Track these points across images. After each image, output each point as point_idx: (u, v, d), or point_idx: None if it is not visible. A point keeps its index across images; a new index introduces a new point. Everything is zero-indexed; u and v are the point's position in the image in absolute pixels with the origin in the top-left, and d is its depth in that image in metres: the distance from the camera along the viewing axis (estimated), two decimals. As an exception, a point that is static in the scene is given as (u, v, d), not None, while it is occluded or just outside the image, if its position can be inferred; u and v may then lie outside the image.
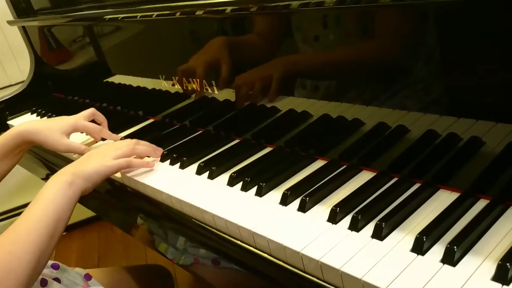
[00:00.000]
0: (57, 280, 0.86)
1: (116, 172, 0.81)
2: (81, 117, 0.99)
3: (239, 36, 0.84)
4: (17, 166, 1.41)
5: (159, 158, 0.88)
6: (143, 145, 0.87)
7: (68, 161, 1.02)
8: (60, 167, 0.80)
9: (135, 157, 0.85)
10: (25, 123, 0.96)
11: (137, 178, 0.83)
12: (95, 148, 0.86)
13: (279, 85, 0.79)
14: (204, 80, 0.91)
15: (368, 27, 0.64)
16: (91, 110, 1.02)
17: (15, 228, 0.67)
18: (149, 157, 0.89)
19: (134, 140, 0.87)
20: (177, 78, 0.97)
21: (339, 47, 0.69)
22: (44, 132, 0.94)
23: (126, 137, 1.03)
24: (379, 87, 0.67)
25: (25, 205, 2.08)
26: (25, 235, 0.65)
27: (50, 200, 0.70)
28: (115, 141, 1.01)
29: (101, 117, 1.04)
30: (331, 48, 0.70)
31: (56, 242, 0.70)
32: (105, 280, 0.97)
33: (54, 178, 0.74)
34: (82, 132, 1.04)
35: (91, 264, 1.82)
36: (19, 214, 2.08)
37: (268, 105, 0.82)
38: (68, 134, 0.96)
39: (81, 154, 0.94)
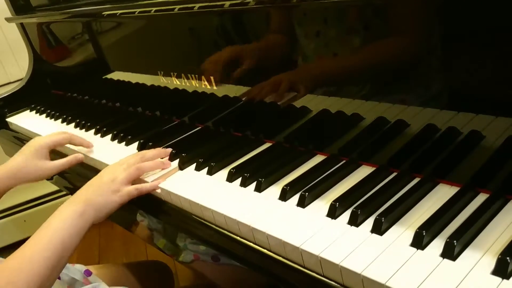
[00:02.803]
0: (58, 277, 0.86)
1: (128, 200, 0.77)
2: (51, 140, 0.94)
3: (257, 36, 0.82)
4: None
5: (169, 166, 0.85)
6: (149, 158, 0.83)
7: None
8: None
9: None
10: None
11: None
12: (105, 169, 0.81)
13: (287, 84, 0.78)
14: (202, 76, 0.91)
15: (368, 22, 0.64)
16: (64, 136, 0.96)
17: (20, 255, 0.65)
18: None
19: (140, 155, 0.83)
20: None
21: (339, 42, 0.69)
22: (22, 170, 0.87)
23: (124, 132, 1.02)
24: (379, 81, 0.67)
25: (25, 202, 2.07)
26: (28, 264, 0.63)
27: (58, 229, 0.68)
28: (87, 147, 0.99)
29: (77, 140, 0.99)
30: (332, 43, 0.70)
31: (60, 271, 0.68)
32: (106, 276, 0.96)
33: (65, 206, 0.72)
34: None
35: (92, 260, 1.82)
36: (18, 212, 2.08)
37: (267, 101, 0.82)
38: (47, 157, 0.91)
39: (76, 163, 0.91)
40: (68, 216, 0.70)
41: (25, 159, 0.89)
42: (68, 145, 1.01)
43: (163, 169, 0.83)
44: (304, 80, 0.75)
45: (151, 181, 0.80)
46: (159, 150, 0.87)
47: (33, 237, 0.67)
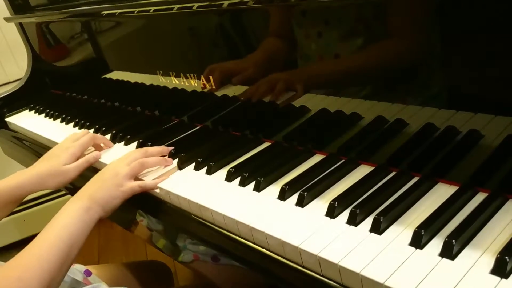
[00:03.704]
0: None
1: (131, 195, 0.78)
2: (79, 146, 0.92)
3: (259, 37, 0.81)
4: (16, 163, 1.42)
5: (172, 164, 0.85)
6: (152, 154, 0.84)
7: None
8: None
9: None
10: (25, 174, 0.87)
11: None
12: (108, 165, 0.82)
13: (285, 85, 0.78)
14: (201, 75, 0.91)
15: (367, 22, 0.64)
16: (89, 137, 0.95)
17: (28, 252, 0.65)
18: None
19: (143, 151, 0.84)
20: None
21: (339, 42, 0.69)
22: (48, 176, 0.86)
23: (123, 132, 1.02)
24: (378, 81, 0.67)
25: (25, 202, 2.06)
26: (36, 261, 0.64)
27: (65, 225, 0.69)
28: (108, 145, 0.99)
29: (100, 139, 0.99)
30: (332, 44, 0.70)
31: (68, 268, 0.69)
32: (105, 276, 0.96)
33: (71, 203, 0.72)
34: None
35: (91, 260, 1.82)
36: (18, 211, 2.08)
37: (266, 100, 0.82)
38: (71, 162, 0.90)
39: (94, 162, 0.91)
40: (75, 213, 0.71)
41: (49, 167, 0.88)
42: None
43: (165, 166, 0.84)
44: (303, 79, 0.75)
45: (153, 179, 0.80)
46: (161, 147, 0.88)
47: (41, 234, 0.68)
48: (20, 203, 0.90)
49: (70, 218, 0.70)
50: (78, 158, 0.91)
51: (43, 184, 0.87)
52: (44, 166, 0.88)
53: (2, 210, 0.87)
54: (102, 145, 1.00)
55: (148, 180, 0.80)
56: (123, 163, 0.80)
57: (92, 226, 0.72)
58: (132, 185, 0.77)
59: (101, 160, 0.94)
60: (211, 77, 0.89)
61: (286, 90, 0.78)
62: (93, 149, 0.98)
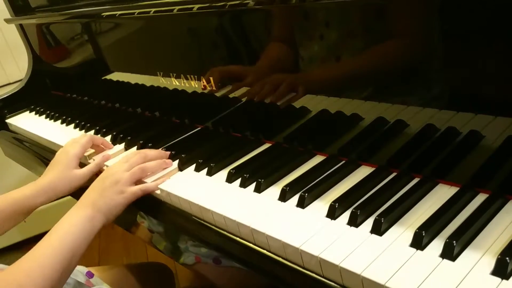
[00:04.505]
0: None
1: (133, 201, 0.78)
2: (80, 147, 0.93)
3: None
4: (16, 164, 1.42)
5: (173, 165, 0.85)
6: (152, 158, 0.83)
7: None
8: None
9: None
10: (38, 184, 0.87)
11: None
12: (107, 169, 0.81)
13: (288, 85, 0.78)
14: (202, 76, 0.91)
15: (368, 23, 0.64)
16: (88, 138, 0.96)
17: (30, 258, 0.65)
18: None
19: (143, 155, 0.83)
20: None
21: (339, 44, 0.69)
22: (57, 184, 0.87)
23: (123, 133, 1.02)
24: (378, 82, 0.67)
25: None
26: (38, 268, 0.63)
27: (69, 233, 0.69)
28: (107, 146, 0.99)
29: (99, 140, 0.99)
30: (333, 45, 0.70)
31: (68, 275, 0.69)
32: (107, 278, 0.97)
33: (74, 211, 0.73)
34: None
35: (92, 262, 1.82)
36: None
37: (267, 101, 0.82)
38: (77, 166, 0.91)
39: (103, 164, 0.92)
40: (77, 221, 0.71)
41: (58, 172, 0.88)
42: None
43: (165, 168, 0.84)
44: (305, 81, 0.75)
45: (154, 180, 0.80)
46: (159, 151, 0.88)
47: (43, 241, 0.68)
48: (28, 215, 0.89)
49: (74, 227, 0.70)
50: (80, 159, 0.92)
51: (56, 191, 0.87)
52: (54, 174, 0.88)
53: (14, 220, 0.87)
54: (102, 146, 1.00)
55: (148, 181, 0.80)
56: (122, 168, 0.79)
57: (94, 234, 0.72)
58: (134, 190, 0.77)
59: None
60: (211, 78, 0.89)
61: (287, 91, 0.78)
62: (93, 150, 0.98)
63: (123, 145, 1.00)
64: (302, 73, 0.75)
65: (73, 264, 0.69)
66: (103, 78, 1.24)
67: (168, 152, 0.87)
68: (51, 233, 0.69)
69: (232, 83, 0.86)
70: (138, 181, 0.81)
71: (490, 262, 0.47)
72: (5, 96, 1.49)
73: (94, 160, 0.94)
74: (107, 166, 0.92)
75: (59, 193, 0.88)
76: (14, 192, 0.87)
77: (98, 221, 0.73)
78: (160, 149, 0.90)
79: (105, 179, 0.78)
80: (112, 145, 1.01)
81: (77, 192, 0.87)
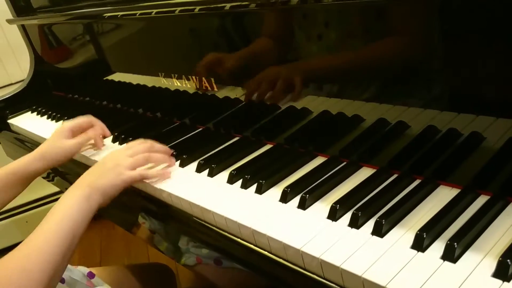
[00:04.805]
0: (61, 280, 0.86)
1: (130, 185, 0.78)
2: (75, 122, 0.98)
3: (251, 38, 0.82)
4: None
5: (175, 165, 0.85)
6: (158, 150, 0.83)
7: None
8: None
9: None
10: (29, 154, 0.92)
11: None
12: (109, 154, 0.82)
13: (285, 85, 0.78)
14: (203, 78, 0.91)
15: (368, 24, 0.64)
16: (86, 117, 0.99)
17: (30, 243, 0.64)
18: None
19: (149, 145, 0.83)
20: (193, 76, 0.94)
21: (340, 44, 0.69)
22: (48, 151, 0.92)
23: (125, 134, 1.02)
24: (380, 83, 0.67)
25: (27, 203, 2.07)
26: (38, 251, 0.63)
27: (66, 215, 0.68)
28: (106, 134, 1.01)
29: (97, 122, 1.01)
30: (333, 46, 0.70)
31: (69, 258, 0.68)
32: (108, 278, 0.97)
33: (70, 192, 0.72)
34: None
35: (93, 262, 1.82)
36: (20, 213, 2.08)
37: (268, 102, 0.82)
38: (69, 137, 0.95)
39: (93, 137, 0.96)
40: (75, 201, 0.70)
41: (50, 141, 0.94)
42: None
43: (168, 166, 0.84)
44: (304, 79, 0.75)
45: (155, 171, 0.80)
46: (166, 147, 0.87)
47: (41, 224, 0.67)
48: (21, 196, 0.94)
49: (71, 207, 0.69)
50: (73, 131, 0.96)
51: (48, 159, 0.92)
52: (47, 143, 0.95)
53: (14, 189, 0.91)
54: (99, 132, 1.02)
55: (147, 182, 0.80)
56: (125, 154, 0.79)
57: (92, 214, 0.72)
58: (132, 174, 0.77)
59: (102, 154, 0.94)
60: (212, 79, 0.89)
61: (286, 91, 0.78)
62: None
63: (124, 145, 1.00)
64: (305, 73, 0.75)
65: (73, 245, 0.68)
66: (104, 78, 1.24)
67: (172, 151, 0.87)
68: (49, 216, 0.68)
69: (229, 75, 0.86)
70: None
71: (491, 264, 0.47)
72: (6, 96, 1.49)
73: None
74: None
75: (51, 161, 0.93)
76: (10, 164, 0.92)
77: (94, 200, 0.72)
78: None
79: (106, 161, 0.79)
80: (110, 133, 1.03)
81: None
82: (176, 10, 0.86)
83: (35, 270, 0.61)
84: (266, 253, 0.61)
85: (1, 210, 0.95)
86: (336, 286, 0.53)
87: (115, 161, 0.77)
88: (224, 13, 0.80)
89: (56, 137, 0.94)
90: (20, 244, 0.65)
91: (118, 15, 1.01)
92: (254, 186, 0.71)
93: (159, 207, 0.80)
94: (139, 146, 0.82)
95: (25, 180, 0.92)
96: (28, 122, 1.38)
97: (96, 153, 0.99)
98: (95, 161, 0.92)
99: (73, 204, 0.70)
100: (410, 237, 0.53)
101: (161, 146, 0.85)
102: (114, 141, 1.03)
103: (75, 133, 0.96)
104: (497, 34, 0.52)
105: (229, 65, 0.84)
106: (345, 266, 0.51)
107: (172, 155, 0.86)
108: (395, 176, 0.65)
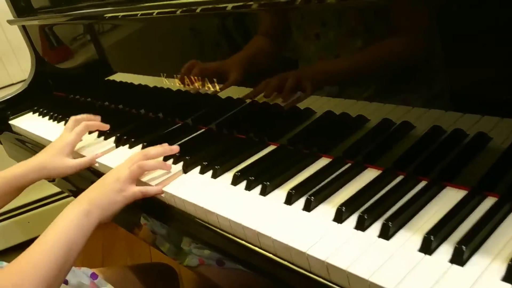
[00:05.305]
0: (65, 281, 0.86)
1: (132, 201, 0.77)
2: (75, 135, 0.98)
3: (249, 39, 0.82)
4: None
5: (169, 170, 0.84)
6: (153, 156, 0.82)
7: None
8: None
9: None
10: (28, 163, 0.93)
11: (140, 178, 0.82)
12: (111, 171, 0.81)
13: (290, 86, 0.77)
14: (206, 78, 0.90)
15: (371, 23, 0.63)
16: (83, 126, 1.00)
17: (24, 258, 0.64)
18: None
19: (144, 153, 0.82)
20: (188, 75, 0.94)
21: (341, 44, 0.68)
22: (47, 166, 0.92)
23: (127, 135, 1.02)
24: (384, 83, 0.66)
25: (29, 204, 2.07)
26: (32, 268, 0.63)
27: (64, 230, 0.68)
28: (104, 129, 1.03)
29: (93, 126, 1.03)
30: (334, 45, 0.69)
31: (66, 273, 0.68)
32: (112, 279, 0.96)
33: (71, 207, 0.72)
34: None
35: (96, 262, 1.82)
36: (22, 213, 2.08)
37: (271, 103, 0.81)
38: (69, 154, 0.95)
39: (93, 164, 0.95)
40: (73, 217, 0.70)
41: (51, 155, 0.94)
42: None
43: (164, 170, 0.83)
44: (308, 81, 0.75)
45: (156, 184, 0.80)
46: (163, 148, 0.86)
47: (39, 239, 0.67)
48: (22, 196, 0.95)
49: (69, 223, 0.69)
50: (74, 146, 0.97)
51: (43, 173, 0.92)
52: (46, 156, 0.94)
53: (5, 198, 0.91)
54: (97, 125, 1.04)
55: (153, 184, 0.80)
56: (125, 167, 0.79)
57: (91, 230, 0.71)
58: (134, 191, 0.76)
59: (106, 163, 0.94)
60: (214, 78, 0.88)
61: (291, 92, 0.77)
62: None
63: (126, 146, 1.00)
64: (307, 73, 0.75)
65: (71, 261, 0.67)
66: (106, 79, 1.24)
67: (174, 147, 0.86)
68: (47, 231, 0.68)
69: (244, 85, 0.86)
70: (141, 183, 0.81)
71: (500, 267, 0.46)
72: (8, 97, 1.49)
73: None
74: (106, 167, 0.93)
75: (47, 174, 0.93)
76: (4, 172, 0.91)
77: (94, 217, 0.71)
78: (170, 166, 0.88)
79: (107, 176, 0.78)
80: (108, 126, 1.04)
81: (77, 191, 0.89)
82: (177, 10, 0.85)
83: (28, 284, 0.61)
84: (270, 255, 0.61)
85: (3, 211, 0.96)
86: (342, 290, 0.52)
87: (116, 175, 0.77)
88: (226, 13, 0.80)
89: (56, 153, 0.94)
90: (15, 260, 0.64)
91: (119, 15, 1.01)
92: (258, 188, 0.71)
93: (161, 209, 0.79)
94: (136, 156, 0.82)
95: (20, 189, 0.93)
96: (30, 123, 1.37)
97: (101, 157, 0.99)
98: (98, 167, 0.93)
99: (72, 220, 0.70)
100: (417, 240, 0.52)
101: (156, 151, 0.84)
102: (116, 142, 1.03)
103: (76, 144, 0.98)
104: (502, 33, 0.52)
105: (232, 67, 0.84)
106: (351, 269, 0.51)
107: (175, 155, 0.86)
108: (400, 177, 0.65)
